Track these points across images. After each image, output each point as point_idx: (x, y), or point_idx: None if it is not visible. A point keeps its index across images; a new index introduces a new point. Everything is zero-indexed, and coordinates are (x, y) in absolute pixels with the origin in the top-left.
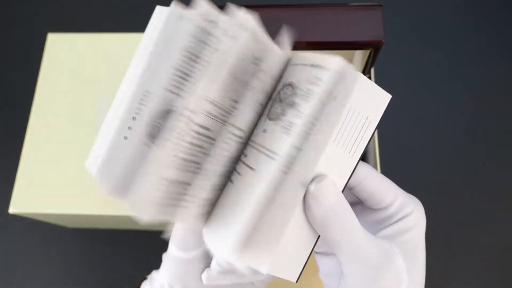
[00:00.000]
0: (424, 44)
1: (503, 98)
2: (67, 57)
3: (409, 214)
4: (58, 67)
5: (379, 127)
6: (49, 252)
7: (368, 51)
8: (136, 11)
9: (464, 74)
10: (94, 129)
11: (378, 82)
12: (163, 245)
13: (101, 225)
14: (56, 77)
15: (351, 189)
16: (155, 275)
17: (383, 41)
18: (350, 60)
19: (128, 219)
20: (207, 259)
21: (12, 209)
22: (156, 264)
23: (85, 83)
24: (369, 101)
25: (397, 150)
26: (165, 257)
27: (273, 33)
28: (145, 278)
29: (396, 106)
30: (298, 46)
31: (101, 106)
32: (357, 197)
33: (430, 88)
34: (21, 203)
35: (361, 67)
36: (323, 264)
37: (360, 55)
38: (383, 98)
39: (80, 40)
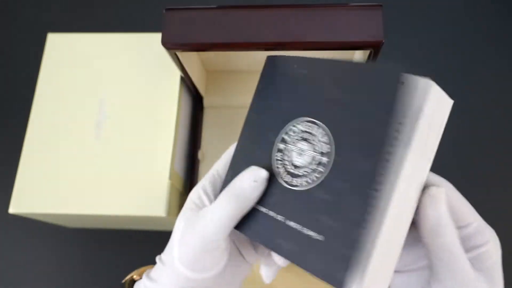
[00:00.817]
0: (425, 44)
1: (504, 98)
2: (67, 57)
3: (488, 241)
4: (58, 67)
5: None
6: (49, 252)
7: (368, 51)
8: (136, 11)
9: (465, 74)
10: (94, 129)
11: None
12: (163, 245)
13: (101, 225)
14: (56, 77)
15: None
16: (150, 285)
17: (383, 41)
18: (350, 60)
19: (128, 219)
20: (225, 276)
21: (12, 209)
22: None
23: (85, 83)
24: (444, 113)
25: None
26: (166, 270)
27: (273, 33)
28: (133, 281)
29: None
30: (298, 46)
31: (101, 106)
32: None
33: None
34: (21, 203)
35: None
36: (394, 283)
37: (360, 55)
38: (448, 104)
39: (80, 40)
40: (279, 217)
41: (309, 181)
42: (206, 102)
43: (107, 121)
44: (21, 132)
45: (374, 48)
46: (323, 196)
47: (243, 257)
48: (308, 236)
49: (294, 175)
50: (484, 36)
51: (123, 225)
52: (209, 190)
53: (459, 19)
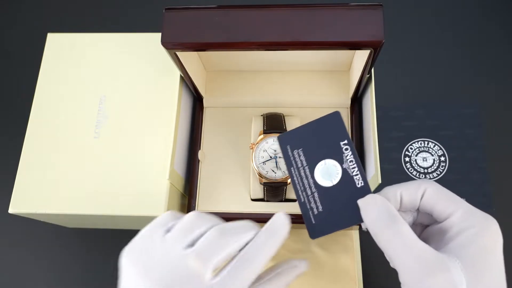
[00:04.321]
0: (425, 44)
1: (505, 99)
2: (67, 57)
3: (472, 226)
4: (58, 67)
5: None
6: (49, 252)
7: (368, 51)
8: (136, 11)
9: (465, 74)
10: (94, 129)
11: (378, 82)
12: None
13: (101, 225)
14: (56, 77)
15: (416, 207)
16: None
17: (383, 41)
18: (350, 60)
19: (128, 219)
20: None
21: (12, 209)
22: None
23: (85, 83)
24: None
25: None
26: None
27: (273, 33)
28: None
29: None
30: (298, 46)
31: (101, 106)
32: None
33: (431, 89)
34: (21, 203)
35: (361, 67)
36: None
37: (360, 55)
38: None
39: (80, 40)
40: None
41: None
42: (206, 102)
43: (107, 121)
44: (21, 132)
45: (374, 48)
46: None
47: None
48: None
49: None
50: (485, 35)
51: (123, 225)
52: None
53: (461, 18)
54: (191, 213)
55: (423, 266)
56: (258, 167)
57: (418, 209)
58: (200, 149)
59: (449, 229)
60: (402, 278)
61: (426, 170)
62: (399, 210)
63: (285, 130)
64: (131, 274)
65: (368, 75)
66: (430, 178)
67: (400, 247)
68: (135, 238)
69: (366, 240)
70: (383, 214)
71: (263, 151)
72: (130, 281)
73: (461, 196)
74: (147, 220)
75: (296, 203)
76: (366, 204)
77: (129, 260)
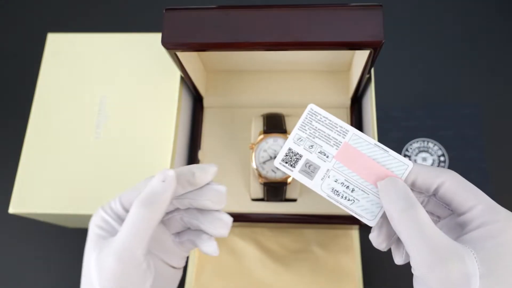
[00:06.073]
0: (425, 44)
1: (505, 99)
2: (67, 57)
3: (495, 221)
4: (58, 67)
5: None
6: (49, 252)
7: (368, 51)
8: (136, 11)
9: (465, 74)
10: (94, 129)
11: (378, 82)
12: None
13: None
14: (56, 77)
15: (435, 194)
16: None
17: (383, 41)
18: (350, 60)
19: None
20: None
21: (12, 209)
22: None
23: (85, 83)
24: None
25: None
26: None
27: (273, 33)
28: None
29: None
30: (298, 46)
31: (101, 106)
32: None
33: (431, 89)
34: (21, 203)
35: (361, 67)
36: None
37: (360, 55)
38: None
39: (80, 40)
40: None
41: None
42: (206, 102)
43: (107, 121)
44: (21, 132)
45: (374, 48)
46: None
47: (171, 266)
48: None
49: None
50: (486, 35)
51: None
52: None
53: (461, 18)
54: None
55: (437, 253)
56: (258, 167)
57: (434, 195)
58: (200, 149)
59: (469, 222)
60: (414, 263)
61: None
62: (412, 190)
63: (285, 130)
64: None
65: (368, 75)
66: None
67: (415, 231)
68: None
69: (366, 240)
70: (401, 198)
71: (263, 151)
72: None
73: None
74: None
75: (296, 203)
76: (385, 187)
77: None
